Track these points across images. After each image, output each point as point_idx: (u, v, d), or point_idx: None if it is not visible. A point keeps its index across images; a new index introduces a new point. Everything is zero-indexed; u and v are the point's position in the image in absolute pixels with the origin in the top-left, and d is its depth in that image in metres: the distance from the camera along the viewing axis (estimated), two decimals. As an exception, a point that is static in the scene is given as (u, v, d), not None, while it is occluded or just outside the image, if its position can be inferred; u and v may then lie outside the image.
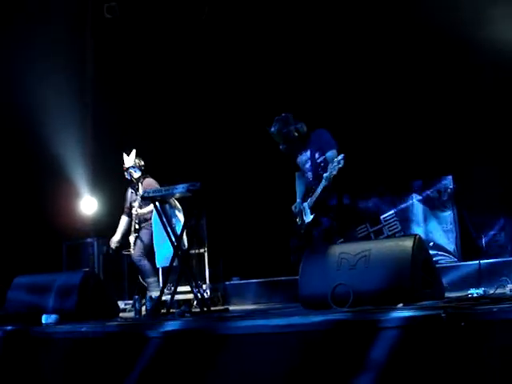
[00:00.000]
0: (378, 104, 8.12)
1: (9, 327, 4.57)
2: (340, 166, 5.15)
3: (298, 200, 5.83)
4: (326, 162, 5.51)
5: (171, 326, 3.89)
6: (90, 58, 8.84)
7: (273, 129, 5.73)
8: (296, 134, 5.71)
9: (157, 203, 5.68)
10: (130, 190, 7.38)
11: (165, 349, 3.74)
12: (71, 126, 8.52)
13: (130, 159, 7.25)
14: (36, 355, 4.29)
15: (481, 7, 6.91)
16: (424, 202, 8.04)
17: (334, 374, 3.32)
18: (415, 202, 8.12)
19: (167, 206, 5.88)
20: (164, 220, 5.65)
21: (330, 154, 5.53)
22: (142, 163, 7.31)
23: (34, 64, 8.28)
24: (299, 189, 5.91)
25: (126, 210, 7.39)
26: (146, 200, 6.49)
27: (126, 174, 7.28)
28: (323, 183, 5.32)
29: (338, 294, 4.18)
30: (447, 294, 4.81)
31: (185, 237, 5.86)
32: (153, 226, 6.17)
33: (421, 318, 3.18)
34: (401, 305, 3.84)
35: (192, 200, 5.77)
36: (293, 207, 5.82)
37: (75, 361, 4.10)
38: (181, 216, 6.03)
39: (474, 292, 4.91)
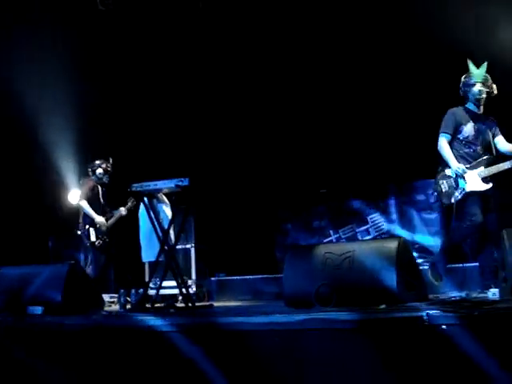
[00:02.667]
0: (373, 109, 8.20)
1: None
2: None
3: (459, 166, 5.55)
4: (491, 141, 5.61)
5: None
6: (82, 50, 8.77)
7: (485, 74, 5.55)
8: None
9: (145, 198, 5.69)
10: (100, 188, 7.59)
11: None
12: (60, 117, 8.49)
13: (110, 166, 7.58)
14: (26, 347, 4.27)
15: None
16: (410, 204, 8.10)
17: (315, 372, 3.34)
18: (402, 203, 8.17)
19: (155, 200, 5.88)
20: (151, 215, 5.66)
21: (501, 137, 5.64)
22: None
23: (27, 57, 8.24)
24: (451, 153, 5.65)
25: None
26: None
27: (104, 175, 7.53)
28: None
29: (321, 293, 4.21)
30: (430, 296, 4.86)
31: (172, 232, 5.86)
32: (139, 220, 6.17)
33: (403, 320, 3.21)
34: (384, 306, 3.87)
35: (180, 195, 5.78)
36: (461, 170, 5.56)
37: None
38: (168, 211, 6.03)
39: (457, 295, 4.96)
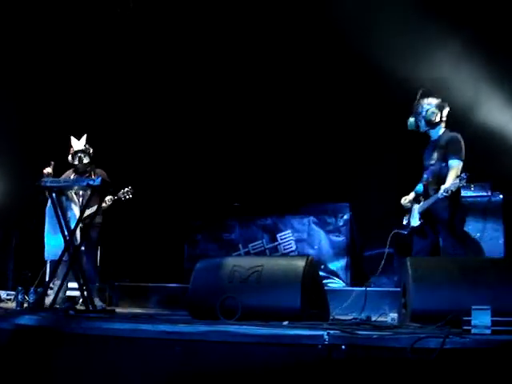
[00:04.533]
0: (292, 127, 8.32)
1: None
2: (460, 184, 4.86)
3: (412, 196, 5.53)
4: (445, 170, 5.19)
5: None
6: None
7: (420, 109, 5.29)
8: (436, 120, 5.29)
9: (53, 194, 5.51)
10: (72, 176, 6.67)
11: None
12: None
13: (80, 143, 6.64)
14: None
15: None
16: (320, 225, 8.24)
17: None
18: (312, 224, 8.30)
19: (64, 197, 5.71)
20: (59, 212, 5.49)
21: (453, 162, 5.15)
22: (91, 150, 6.74)
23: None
24: (418, 186, 5.51)
25: None
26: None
27: (72, 158, 6.65)
28: (438, 195, 5.01)
29: (227, 306, 4.20)
30: (333, 317, 4.94)
31: (78, 232, 5.71)
32: (46, 216, 5.96)
33: (304, 337, 3.24)
34: (286, 322, 3.90)
35: (90, 195, 5.65)
36: (404, 201, 5.55)
37: None
38: (76, 210, 5.87)
39: (358, 317, 5.06)
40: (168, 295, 7.47)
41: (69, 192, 5.81)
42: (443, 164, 5.23)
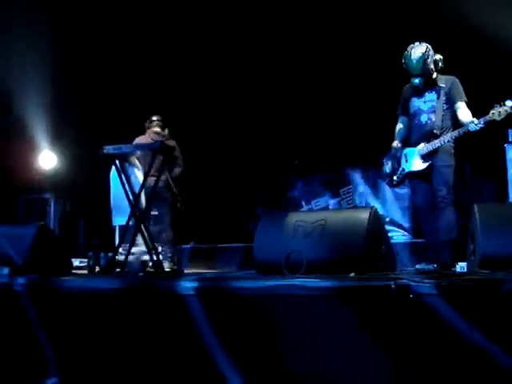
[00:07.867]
0: (350, 82, 8.21)
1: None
2: (480, 126, 4.82)
3: (397, 144, 5.47)
4: (452, 113, 5.20)
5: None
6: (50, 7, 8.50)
7: (417, 54, 5.12)
8: (432, 69, 5.23)
9: (116, 161, 5.61)
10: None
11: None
12: (30, 77, 8.24)
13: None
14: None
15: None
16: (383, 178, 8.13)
17: (284, 338, 3.36)
18: (375, 177, 8.21)
19: (126, 164, 5.80)
20: (123, 178, 5.59)
21: (460, 105, 5.17)
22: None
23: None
24: (401, 132, 5.51)
25: None
26: None
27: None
28: (455, 134, 5.04)
29: (291, 260, 4.20)
30: (399, 268, 4.90)
31: (143, 196, 5.80)
32: (111, 183, 6.08)
33: (371, 288, 3.22)
34: (352, 274, 3.88)
35: (151, 159, 5.72)
36: (393, 149, 5.47)
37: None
38: (140, 174, 5.95)
39: (426, 267, 5.00)
40: (235, 255, 7.56)
41: (131, 158, 5.90)
42: (446, 106, 5.20)
